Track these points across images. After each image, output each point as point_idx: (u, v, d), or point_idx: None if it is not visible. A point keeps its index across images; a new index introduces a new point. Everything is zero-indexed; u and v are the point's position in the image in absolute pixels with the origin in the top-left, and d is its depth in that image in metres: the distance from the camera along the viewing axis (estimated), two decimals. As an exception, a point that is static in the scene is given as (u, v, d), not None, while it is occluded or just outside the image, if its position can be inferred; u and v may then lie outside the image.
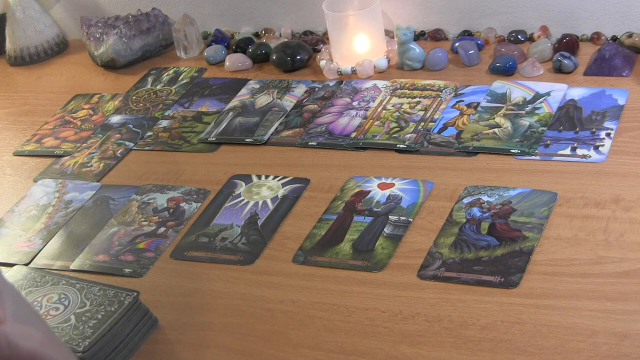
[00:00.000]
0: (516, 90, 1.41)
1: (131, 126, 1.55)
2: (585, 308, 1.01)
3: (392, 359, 1.00)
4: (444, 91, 1.45)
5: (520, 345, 0.98)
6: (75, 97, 1.70)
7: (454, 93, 1.45)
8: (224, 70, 1.68)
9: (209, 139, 1.47)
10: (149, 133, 1.53)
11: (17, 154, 1.56)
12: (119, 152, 1.49)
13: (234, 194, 1.32)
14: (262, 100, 1.54)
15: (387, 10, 1.63)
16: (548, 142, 1.28)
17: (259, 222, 1.25)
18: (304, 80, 1.58)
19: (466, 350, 0.99)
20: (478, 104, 1.40)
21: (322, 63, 1.59)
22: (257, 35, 1.78)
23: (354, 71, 1.56)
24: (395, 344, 1.02)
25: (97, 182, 1.42)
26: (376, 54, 1.57)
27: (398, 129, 1.39)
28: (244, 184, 1.34)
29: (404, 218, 1.20)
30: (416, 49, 1.53)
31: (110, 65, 1.76)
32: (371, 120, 1.42)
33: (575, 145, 1.27)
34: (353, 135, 1.40)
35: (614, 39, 1.50)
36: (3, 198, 1.44)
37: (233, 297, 1.14)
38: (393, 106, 1.44)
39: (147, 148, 1.49)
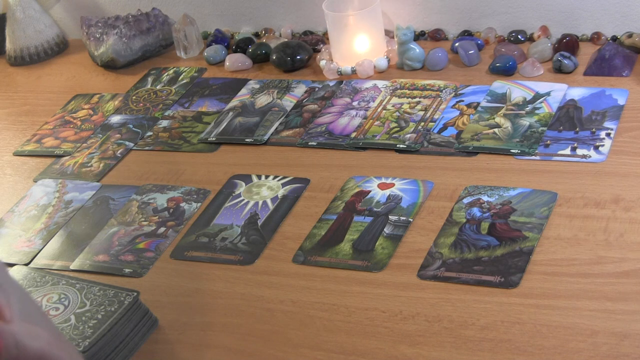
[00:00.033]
0: (516, 90, 1.41)
1: (131, 126, 1.55)
2: (585, 308, 1.01)
3: (392, 359, 1.00)
4: (444, 91, 1.45)
5: (520, 345, 0.98)
6: (75, 97, 1.70)
7: (454, 93, 1.45)
8: (224, 70, 1.68)
9: (209, 139, 1.47)
10: (149, 133, 1.53)
11: (17, 154, 1.56)
12: (119, 152, 1.49)
13: (234, 194, 1.32)
14: (262, 100, 1.54)
15: (387, 10, 1.63)
16: (548, 142, 1.28)
17: (259, 222, 1.25)
18: (304, 80, 1.58)
19: (466, 350, 0.99)
20: (478, 104, 1.40)
21: (322, 63, 1.59)
22: (257, 35, 1.78)
23: (354, 71, 1.56)
24: (395, 344, 1.02)
25: (97, 182, 1.42)
26: (376, 54, 1.57)
27: (398, 129, 1.38)
28: (244, 184, 1.34)
29: (404, 218, 1.20)
30: (416, 49, 1.53)
31: (110, 65, 1.76)
32: (371, 120, 1.42)
33: (575, 145, 1.27)
34: (353, 135, 1.40)
35: (614, 39, 1.50)
36: (3, 198, 1.44)
37: (233, 297, 1.14)
38: (393, 106, 1.44)
39: (147, 148, 1.49)
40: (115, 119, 1.59)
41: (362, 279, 1.12)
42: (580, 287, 1.03)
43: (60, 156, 1.52)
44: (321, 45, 1.66)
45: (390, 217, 1.21)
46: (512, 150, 1.28)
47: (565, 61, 1.43)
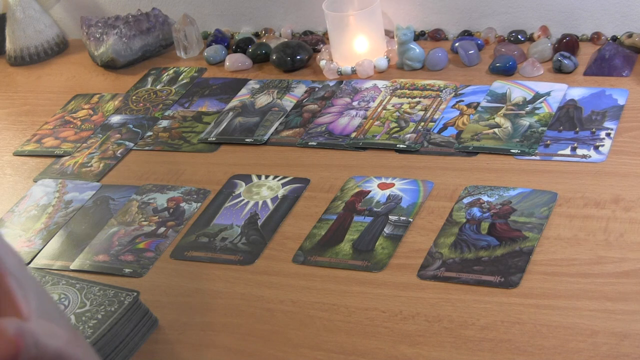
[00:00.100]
0: (516, 90, 1.41)
1: (131, 126, 1.55)
2: (585, 308, 1.01)
3: (392, 359, 1.00)
4: (444, 91, 1.45)
5: (520, 345, 0.98)
6: (75, 97, 1.70)
7: (454, 93, 1.45)
8: (224, 70, 1.68)
9: (209, 139, 1.47)
10: (149, 133, 1.53)
11: (17, 154, 1.56)
12: (119, 152, 1.49)
13: (234, 194, 1.32)
14: (262, 100, 1.54)
15: (387, 10, 1.63)
16: (548, 142, 1.28)
17: (259, 222, 1.25)
18: (304, 80, 1.58)
19: (466, 350, 0.99)
20: (478, 104, 1.40)
21: (322, 63, 1.59)
22: (257, 35, 1.78)
23: (354, 71, 1.56)
24: (395, 344, 1.02)
25: (97, 182, 1.42)
26: (376, 54, 1.56)
27: (398, 129, 1.38)
28: (244, 184, 1.34)
29: (404, 218, 1.20)
30: (416, 49, 1.53)
31: (110, 65, 1.76)
32: (371, 120, 1.42)
33: (575, 145, 1.27)
34: (353, 135, 1.40)
35: (614, 39, 1.50)
36: (3, 198, 1.44)
37: (233, 297, 1.14)
38: (393, 106, 1.44)
39: (147, 148, 1.49)
40: (115, 119, 1.59)
41: (362, 279, 1.12)
42: (580, 287, 1.03)
43: (60, 156, 1.52)
44: (321, 45, 1.66)
45: (390, 217, 1.21)
46: (512, 150, 1.28)
47: (565, 61, 1.43)
